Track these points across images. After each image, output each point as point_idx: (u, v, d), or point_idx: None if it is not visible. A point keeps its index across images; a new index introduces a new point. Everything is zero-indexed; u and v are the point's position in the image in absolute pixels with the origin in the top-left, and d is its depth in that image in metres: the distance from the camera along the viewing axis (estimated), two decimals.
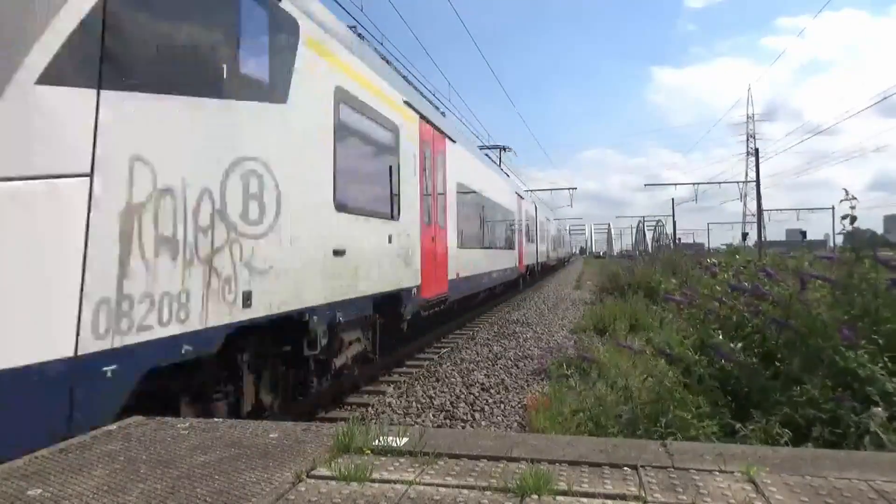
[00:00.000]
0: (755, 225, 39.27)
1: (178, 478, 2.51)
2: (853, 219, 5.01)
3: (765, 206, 39.78)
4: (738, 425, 3.83)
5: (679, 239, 50.45)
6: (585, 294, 22.56)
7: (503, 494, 2.35)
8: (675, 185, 51.15)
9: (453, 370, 9.12)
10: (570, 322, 14.27)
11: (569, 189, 50.93)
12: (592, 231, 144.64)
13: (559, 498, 2.32)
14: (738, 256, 9.42)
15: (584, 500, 2.32)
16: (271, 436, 3.13)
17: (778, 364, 4.40)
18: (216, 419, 3.48)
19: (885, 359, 3.93)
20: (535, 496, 2.32)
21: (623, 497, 2.33)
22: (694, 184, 49.06)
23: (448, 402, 7.30)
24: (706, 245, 61.19)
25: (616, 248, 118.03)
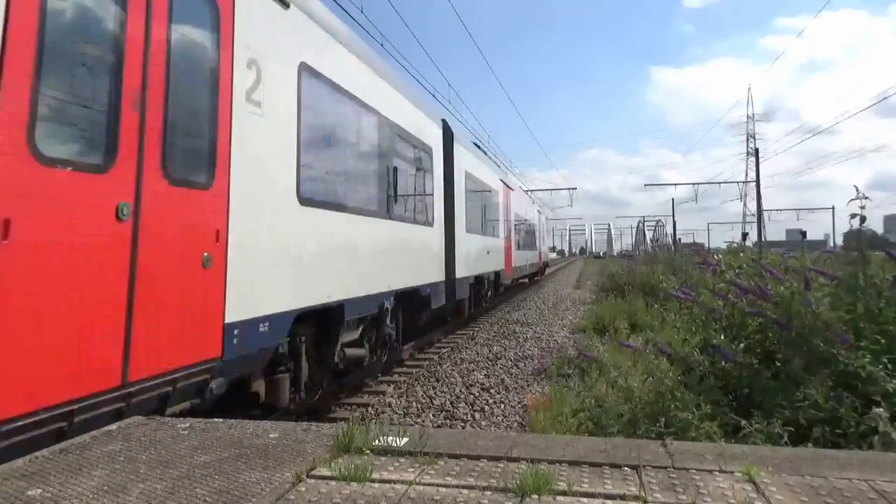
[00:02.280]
0: (755, 225, 39.28)
1: (178, 478, 2.51)
2: (863, 218, 4.80)
3: (765, 206, 39.77)
4: (742, 422, 3.81)
5: (679, 239, 50.45)
6: (585, 294, 22.56)
7: (503, 494, 2.35)
8: (675, 185, 51.37)
9: (453, 370, 9.12)
10: (571, 322, 14.28)
11: (569, 189, 51.03)
12: (592, 231, 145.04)
13: (559, 498, 2.32)
14: (741, 255, 9.35)
15: (584, 500, 2.32)
16: (271, 436, 3.13)
17: (779, 364, 4.38)
18: (216, 419, 3.48)
19: (885, 360, 3.91)
20: (535, 496, 2.32)
21: (623, 497, 2.33)
22: (694, 184, 49.25)
23: (448, 402, 7.30)
24: (706, 245, 61.17)
25: (616, 248, 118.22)
